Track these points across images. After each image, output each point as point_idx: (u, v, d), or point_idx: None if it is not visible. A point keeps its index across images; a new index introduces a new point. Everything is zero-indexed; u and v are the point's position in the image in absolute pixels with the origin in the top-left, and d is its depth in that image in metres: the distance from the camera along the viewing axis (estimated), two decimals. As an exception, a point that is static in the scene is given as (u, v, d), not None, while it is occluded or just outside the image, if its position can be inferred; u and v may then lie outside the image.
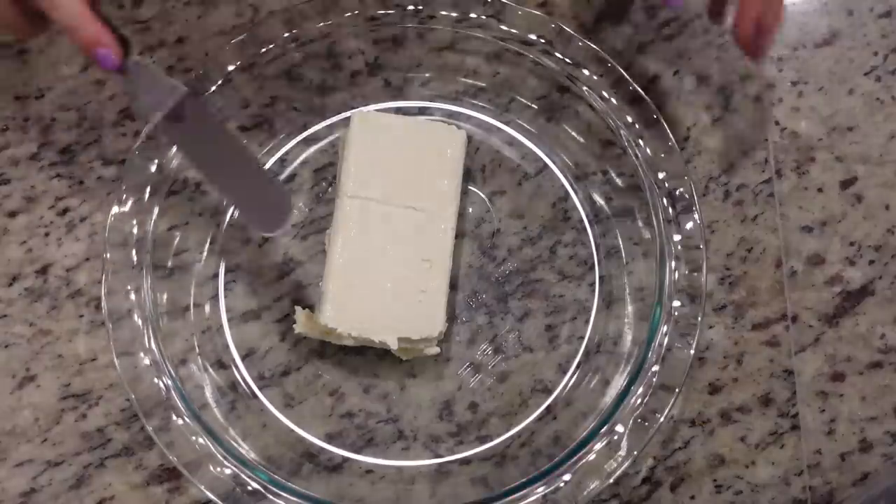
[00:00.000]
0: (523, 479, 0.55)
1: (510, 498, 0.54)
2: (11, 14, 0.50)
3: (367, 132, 0.60)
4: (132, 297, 0.57)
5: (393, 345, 0.56)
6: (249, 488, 0.54)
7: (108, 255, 0.57)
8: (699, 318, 0.56)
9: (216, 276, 0.61)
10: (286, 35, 0.61)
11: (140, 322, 0.56)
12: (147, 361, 0.56)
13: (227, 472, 0.54)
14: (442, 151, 0.60)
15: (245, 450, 0.57)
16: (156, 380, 0.55)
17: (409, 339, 0.56)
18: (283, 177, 0.63)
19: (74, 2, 0.49)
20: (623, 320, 0.60)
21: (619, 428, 0.55)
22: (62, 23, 0.49)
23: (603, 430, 0.55)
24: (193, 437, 0.54)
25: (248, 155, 0.56)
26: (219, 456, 0.54)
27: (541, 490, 0.54)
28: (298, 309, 0.58)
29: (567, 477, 0.54)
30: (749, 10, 0.53)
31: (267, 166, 0.63)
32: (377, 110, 0.64)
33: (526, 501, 0.54)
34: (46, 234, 0.61)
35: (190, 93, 0.52)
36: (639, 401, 0.55)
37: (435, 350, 0.58)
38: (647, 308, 0.58)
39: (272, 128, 0.63)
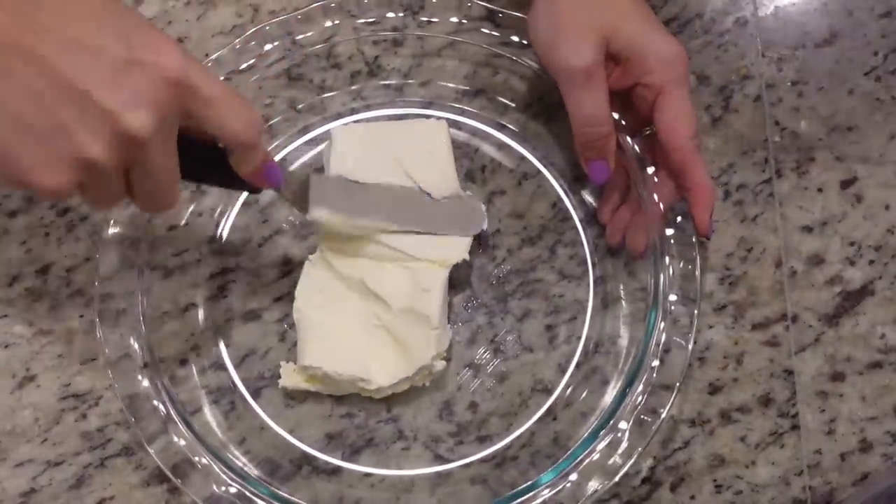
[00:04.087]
0: (529, 482, 0.55)
1: (518, 501, 0.54)
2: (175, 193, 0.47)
3: (346, 151, 0.60)
4: (130, 297, 0.57)
5: (384, 382, 0.56)
6: (245, 498, 0.54)
7: (107, 256, 0.57)
8: (695, 313, 0.56)
9: (215, 276, 0.61)
10: (286, 36, 0.61)
11: (138, 323, 0.56)
12: (142, 365, 0.56)
13: (221, 483, 0.54)
14: (425, 150, 0.60)
15: (241, 454, 0.57)
16: (150, 383, 0.55)
17: (409, 376, 0.56)
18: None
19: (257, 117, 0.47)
20: (621, 320, 0.60)
21: (623, 425, 0.55)
22: (238, 136, 0.46)
23: (606, 428, 0.55)
24: (185, 446, 0.54)
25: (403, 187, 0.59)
26: (215, 467, 0.54)
27: (546, 493, 0.54)
28: (283, 363, 0.58)
29: (573, 477, 0.54)
30: (707, 201, 0.55)
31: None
32: (376, 112, 0.64)
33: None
34: (46, 234, 0.61)
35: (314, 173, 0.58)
36: (639, 398, 0.55)
37: (441, 365, 0.57)
38: (646, 308, 0.58)
39: (272, 128, 0.64)
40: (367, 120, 0.64)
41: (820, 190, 0.64)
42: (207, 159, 0.48)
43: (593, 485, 0.54)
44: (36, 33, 0.40)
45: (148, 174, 0.43)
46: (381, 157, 0.60)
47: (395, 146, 0.60)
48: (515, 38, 0.62)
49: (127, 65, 0.41)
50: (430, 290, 0.57)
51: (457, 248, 0.59)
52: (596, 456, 0.54)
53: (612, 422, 0.55)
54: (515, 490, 0.55)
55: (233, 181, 0.50)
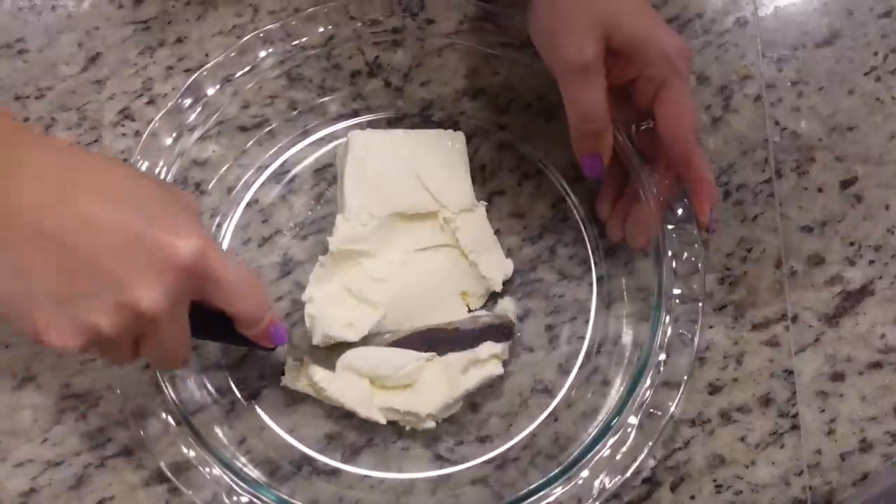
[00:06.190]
0: (542, 480, 0.55)
1: (530, 500, 0.54)
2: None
3: (363, 157, 0.59)
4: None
5: (380, 419, 0.56)
6: (245, 499, 0.54)
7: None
8: (700, 307, 0.56)
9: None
10: (286, 36, 0.61)
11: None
12: (144, 365, 0.55)
13: (222, 484, 0.54)
14: (442, 160, 0.60)
15: (242, 453, 0.57)
16: (151, 383, 0.55)
17: (399, 411, 0.56)
18: (282, 177, 0.63)
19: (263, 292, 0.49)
20: (622, 320, 0.60)
21: (632, 420, 0.55)
22: (247, 315, 0.48)
23: (614, 425, 0.55)
24: (185, 446, 0.54)
25: None
26: (216, 468, 0.54)
27: (559, 490, 0.54)
28: (290, 360, 0.58)
29: (585, 473, 0.54)
30: (708, 194, 0.55)
31: (267, 167, 0.63)
32: (377, 110, 0.64)
33: (545, 502, 0.54)
34: (46, 235, 0.61)
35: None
36: (647, 394, 0.55)
37: (431, 425, 0.57)
38: (647, 307, 0.58)
39: (272, 128, 0.63)
40: (369, 121, 0.64)
41: (820, 190, 0.64)
42: (216, 322, 0.49)
43: (603, 481, 0.54)
44: (70, 216, 0.42)
45: (158, 343, 0.46)
46: (397, 166, 0.60)
47: (412, 155, 0.60)
48: (515, 39, 0.62)
49: (142, 240, 0.42)
50: (464, 377, 0.57)
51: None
52: (606, 452, 0.54)
53: (619, 419, 0.55)
54: (527, 489, 0.55)
55: (242, 340, 0.51)
